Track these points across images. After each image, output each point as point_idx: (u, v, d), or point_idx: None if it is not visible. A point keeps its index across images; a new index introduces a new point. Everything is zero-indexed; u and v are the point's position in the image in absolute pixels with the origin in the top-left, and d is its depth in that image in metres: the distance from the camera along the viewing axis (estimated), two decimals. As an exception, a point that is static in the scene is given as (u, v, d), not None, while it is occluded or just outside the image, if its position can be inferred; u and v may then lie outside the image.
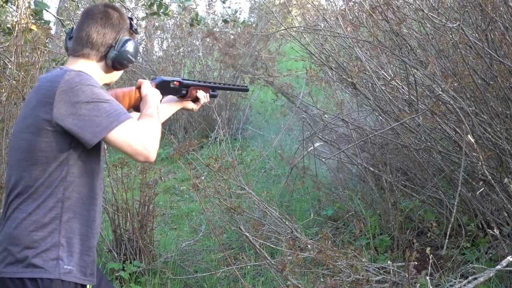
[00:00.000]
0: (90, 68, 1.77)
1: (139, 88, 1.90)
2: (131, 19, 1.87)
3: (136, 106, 1.90)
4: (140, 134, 1.67)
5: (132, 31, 1.85)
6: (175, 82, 2.06)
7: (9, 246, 1.64)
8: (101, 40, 1.77)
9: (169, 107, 2.17)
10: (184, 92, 2.13)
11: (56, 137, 1.63)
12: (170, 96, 2.17)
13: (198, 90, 2.17)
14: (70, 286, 1.66)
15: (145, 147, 1.67)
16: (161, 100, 1.98)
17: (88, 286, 1.73)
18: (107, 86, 1.94)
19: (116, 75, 1.88)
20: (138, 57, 8.00)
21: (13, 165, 1.70)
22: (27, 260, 1.62)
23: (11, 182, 1.70)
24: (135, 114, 1.91)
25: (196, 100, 2.18)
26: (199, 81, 2.20)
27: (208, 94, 2.21)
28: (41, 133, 1.64)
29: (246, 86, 2.46)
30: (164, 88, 2.01)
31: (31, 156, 1.65)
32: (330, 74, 4.09)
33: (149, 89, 1.89)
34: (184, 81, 2.11)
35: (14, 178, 1.69)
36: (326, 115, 4.30)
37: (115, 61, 1.79)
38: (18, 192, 1.67)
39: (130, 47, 1.80)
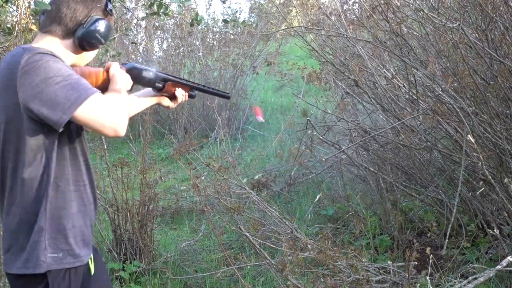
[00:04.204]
0: (56, 46, 1.68)
1: (107, 70, 1.78)
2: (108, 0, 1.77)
3: (103, 89, 1.76)
4: (108, 108, 1.60)
5: (107, 11, 1.75)
6: (146, 72, 1.91)
7: (9, 240, 1.64)
8: (71, 15, 1.67)
9: (144, 99, 2.06)
10: (160, 85, 1.99)
11: (28, 122, 1.58)
12: (147, 89, 2.06)
13: (177, 88, 2.04)
14: (59, 274, 1.63)
15: (114, 122, 1.60)
16: (132, 87, 1.86)
17: (89, 261, 1.72)
18: (76, 67, 1.79)
19: (86, 57, 1.77)
20: (139, 57, 8.00)
21: (0, 159, 1.66)
22: (23, 253, 1.61)
23: (2, 176, 1.67)
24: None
25: (173, 97, 2.07)
26: (175, 77, 2.05)
27: (187, 94, 2.08)
28: (13, 121, 1.59)
29: (227, 93, 2.29)
30: (135, 75, 1.87)
31: (11, 147, 1.61)
32: (331, 73, 4.09)
33: (118, 70, 1.77)
34: (158, 73, 1.96)
35: (3, 171, 1.66)
36: (325, 116, 4.30)
37: (83, 39, 1.68)
38: (11, 186, 1.64)
39: (101, 26, 1.70)
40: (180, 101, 2.08)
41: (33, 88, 1.54)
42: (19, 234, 1.63)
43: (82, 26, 1.69)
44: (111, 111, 1.60)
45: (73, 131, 1.69)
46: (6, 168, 1.64)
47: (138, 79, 1.88)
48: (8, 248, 1.66)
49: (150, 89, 2.05)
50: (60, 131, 1.59)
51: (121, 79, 1.76)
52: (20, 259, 1.62)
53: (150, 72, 1.92)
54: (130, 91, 1.86)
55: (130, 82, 1.82)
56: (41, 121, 1.57)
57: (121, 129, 1.62)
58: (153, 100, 2.07)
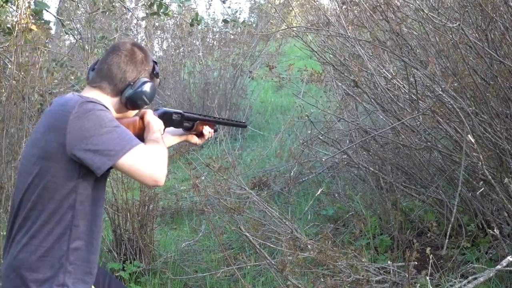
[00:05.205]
0: (104, 102, 1.75)
1: (142, 118, 1.89)
2: (155, 62, 1.88)
3: (139, 136, 1.88)
4: (149, 159, 1.67)
5: (154, 74, 1.86)
6: (177, 114, 2.05)
7: (17, 270, 1.65)
8: (121, 76, 1.78)
9: (172, 138, 2.16)
10: (188, 125, 2.12)
11: (66, 163, 1.63)
12: (173, 128, 2.16)
13: (204, 126, 2.17)
14: None
15: (154, 172, 1.67)
16: (163, 131, 1.97)
17: None
18: None
19: (128, 115, 1.87)
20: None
21: (22, 188, 1.70)
22: (33, 285, 1.63)
23: (18, 204, 1.70)
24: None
25: (200, 135, 2.19)
26: (199, 114, 2.18)
27: (213, 130, 2.21)
28: (52, 158, 1.64)
29: (244, 123, 2.52)
30: (166, 119, 2.00)
31: (41, 182, 1.65)
32: (331, 73, 4.09)
33: (152, 117, 1.88)
34: (186, 114, 2.10)
35: (23, 202, 1.69)
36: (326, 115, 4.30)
37: (130, 100, 1.79)
38: (26, 216, 1.67)
39: (147, 88, 1.81)
40: (206, 138, 2.21)
41: (82, 133, 1.61)
42: (27, 265, 1.64)
43: (130, 87, 1.79)
44: (152, 162, 1.68)
45: (105, 180, 1.77)
46: (27, 201, 1.68)
47: (169, 122, 2.02)
48: (10, 276, 1.66)
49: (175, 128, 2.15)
50: (99, 176, 1.66)
51: (156, 126, 1.87)
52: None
53: (179, 115, 2.06)
54: (162, 133, 1.96)
55: (163, 127, 1.93)
56: (81, 164, 1.64)
57: (161, 180, 1.71)
58: (181, 138, 2.19)
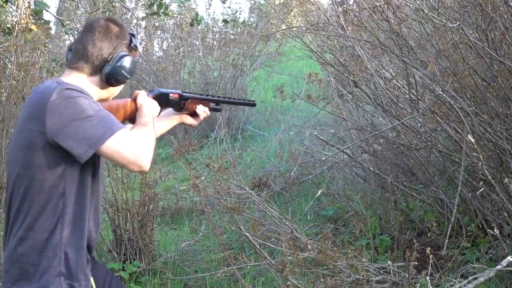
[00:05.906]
0: (83, 82, 1.72)
1: (134, 99, 1.84)
2: (132, 35, 1.81)
3: (132, 118, 1.83)
4: (132, 144, 1.62)
5: (132, 47, 1.79)
6: (173, 95, 1.97)
7: (16, 263, 1.65)
8: (97, 53, 1.72)
9: (167, 121, 2.10)
10: (181, 105, 2.03)
11: (50, 151, 1.60)
12: (169, 110, 2.08)
13: (197, 105, 2.07)
14: None
15: (137, 157, 1.62)
16: (159, 113, 1.92)
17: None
18: (103, 101, 1.84)
19: (114, 91, 1.82)
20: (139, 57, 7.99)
21: (12, 179, 1.68)
22: (33, 278, 1.63)
23: (10, 196, 1.69)
24: (130, 126, 1.84)
25: (195, 114, 2.10)
26: (201, 94, 2.09)
27: (207, 109, 2.11)
28: (35, 147, 1.61)
29: (253, 101, 2.34)
30: (163, 100, 1.92)
31: (28, 172, 1.63)
32: (330, 74, 4.09)
33: (145, 99, 1.83)
34: (184, 94, 2.02)
35: (14, 193, 1.68)
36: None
37: (109, 76, 1.73)
38: (18, 208, 1.66)
39: (126, 62, 1.75)
40: (202, 118, 2.12)
41: (61, 121, 1.57)
42: (26, 258, 1.64)
43: (108, 63, 1.73)
44: (136, 147, 1.63)
45: (97, 168, 1.73)
46: (17, 193, 1.66)
47: (165, 103, 1.94)
48: (10, 269, 1.66)
49: (170, 109, 2.09)
50: (82, 163, 1.62)
51: (149, 109, 1.81)
52: (28, 284, 1.63)
53: (176, 94, 1.98)
54: (158, 115, 1.92)
55: (158, 108, 1.87)
56: (65, 151, 1.60)
57: (145, 165, 1.65)
58: (176, 120, 2.12)
